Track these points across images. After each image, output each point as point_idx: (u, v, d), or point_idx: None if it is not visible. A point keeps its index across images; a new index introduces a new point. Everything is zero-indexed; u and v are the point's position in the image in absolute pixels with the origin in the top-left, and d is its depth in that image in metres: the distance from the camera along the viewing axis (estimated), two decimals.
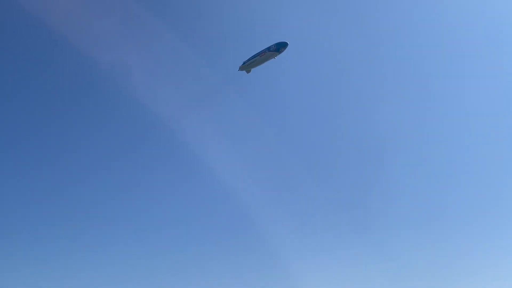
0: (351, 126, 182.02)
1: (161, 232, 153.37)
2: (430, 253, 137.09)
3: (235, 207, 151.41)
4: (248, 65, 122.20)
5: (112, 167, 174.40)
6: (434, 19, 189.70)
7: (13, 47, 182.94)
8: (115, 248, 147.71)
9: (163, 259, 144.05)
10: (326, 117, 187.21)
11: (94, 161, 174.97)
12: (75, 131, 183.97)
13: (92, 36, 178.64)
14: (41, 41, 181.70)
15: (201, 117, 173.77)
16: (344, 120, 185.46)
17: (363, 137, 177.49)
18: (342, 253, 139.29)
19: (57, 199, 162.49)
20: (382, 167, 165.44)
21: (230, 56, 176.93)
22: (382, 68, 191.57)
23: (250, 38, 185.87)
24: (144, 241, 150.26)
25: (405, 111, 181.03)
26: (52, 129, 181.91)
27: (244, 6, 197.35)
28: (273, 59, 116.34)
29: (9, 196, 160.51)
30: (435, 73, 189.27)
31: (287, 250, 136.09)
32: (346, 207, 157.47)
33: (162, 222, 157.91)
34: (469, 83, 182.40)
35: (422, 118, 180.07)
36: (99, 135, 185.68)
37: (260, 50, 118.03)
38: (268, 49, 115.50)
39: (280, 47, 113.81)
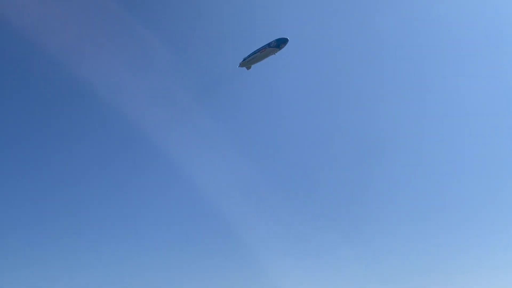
0: (350, 123, 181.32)
1: (150, 234, 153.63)
2: (425, 253, 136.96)
3: (226, 210, 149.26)
4: (248, 62, 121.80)
5: (108, 169, 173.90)
6: (434, 17, 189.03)
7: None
8: (106, 249, 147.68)
9: (149, 259, 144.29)
10: (325, 114, 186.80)
11: (91, 160, 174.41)
12: (72, 132, 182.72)
13: (90, 36, 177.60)
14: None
15: (200, 116, 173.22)
16: (343, 117, 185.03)
17: (361, 136, 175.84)
18: (336, 253, 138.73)
19: (48, 201, 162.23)
20: (378, 165, 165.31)
21: (230, 53, 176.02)
22: (382, 65, 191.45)
23: (250, 34, 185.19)
24: (131, 242, 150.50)
25: (403, 108, 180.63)
26: (48, 132, 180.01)
27: (244, 2, 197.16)
28: (274, 55, 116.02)
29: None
30: (434, 71, 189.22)
31: (280, 252, 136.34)
32: (342, 206, 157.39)
33: (151, 224, 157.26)
34: (467, 83, 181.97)
35: (419, 117, 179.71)
36: (97, 135, 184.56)
37: (261, 46, 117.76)
38: (269, 45, 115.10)
39: (280, 43, 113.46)
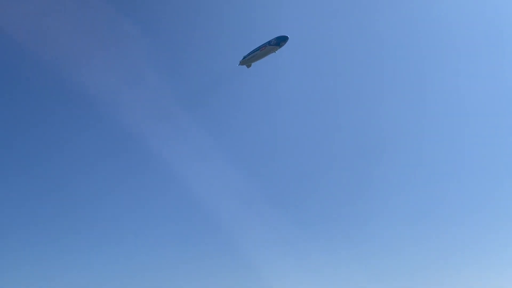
0: (349, 123, 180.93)
1: (147, 235, 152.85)
2: (425, 252, 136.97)
3: (224, 210, 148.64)
4: (248, 60, 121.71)
5: (107, 169, 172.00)
6: (435, 15, 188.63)
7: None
8: (104, 249, 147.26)
9: (146, 260, 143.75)
10: (325, 113, 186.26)
11: (91, 161, 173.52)
12: (72, 132, 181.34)
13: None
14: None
15: (200, 115, 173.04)
16: (343, 116, 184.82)
17: (360, 135, 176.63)
18: (335, 253, 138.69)
19: (48, 201, 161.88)
20: (378, 165, 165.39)
21: (230, 51, 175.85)
22: (382, 63, 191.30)
23: (250, 33, 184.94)
24: (129, 242, 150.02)
25: (402, 108, 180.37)
26: (48, 133, 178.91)
27: (244, 0, 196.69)
28: (274, 53, 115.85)
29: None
30: (434, 70, 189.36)
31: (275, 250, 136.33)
32: (341, 206, 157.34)
33: (149, 226, 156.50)
34: (466, 82, 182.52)
35: (418, 117, 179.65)
36: (97, 135, 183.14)
37: (261, 44, 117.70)
38: (269, 43, 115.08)
39: (280, 41, 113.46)
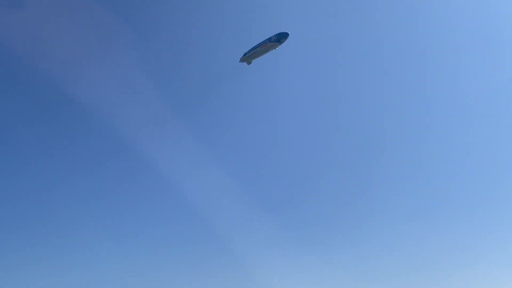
0: (350, 121, 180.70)
1: (146, 236, 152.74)
2: (425, 252, 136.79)
3: (223, 210, 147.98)
4: (249, 57, 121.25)
5: (106, 170, 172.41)
6: (436, 13, 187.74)
7: None
8: (103, 249, 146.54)
9: (145, 261, 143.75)
10: (325, 110, 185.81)
11: (88, 162, 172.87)
12: (72, 133, 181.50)
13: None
14: None
15: (200, 113, 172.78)
16: (343, 114, 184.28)
17: (360, 133, 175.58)
18: (335, 253, 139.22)
19: (47, 201, 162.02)
20: (377, 164, 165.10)
21: (230, 48, 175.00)
22: (383, 59, 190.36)
23: (250, 29, 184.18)
24: (129, 243, 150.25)
25: (402, 107, 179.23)
26: (48, 133, 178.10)
27: None
28: (274, 49, 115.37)
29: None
30: (435, 67, 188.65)
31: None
32: (341, 206, 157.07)
33: (147, 227, 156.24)
34: (466, 82, 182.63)
35: (419, 116, 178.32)
36: (94, 133, 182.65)
37: (261, 41, 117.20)
38: (269, 39, 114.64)
39: (281, 37, 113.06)
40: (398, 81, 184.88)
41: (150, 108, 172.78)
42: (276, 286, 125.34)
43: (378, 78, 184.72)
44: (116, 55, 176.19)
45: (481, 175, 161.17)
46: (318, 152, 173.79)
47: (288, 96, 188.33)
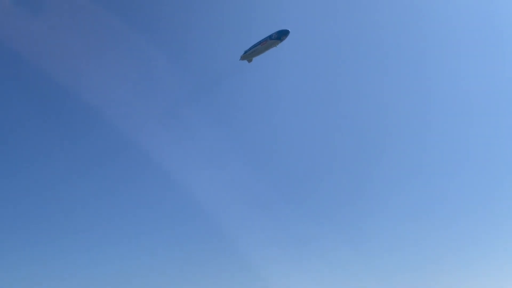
0: (350, 120, 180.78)
1: (147, 235, 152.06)
2: (425, 252, 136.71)
3: (223, 210, 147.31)
4: (249, 55, 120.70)
5: (107, 169, 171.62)
6: (440, 10, 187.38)
7: None
8: (102, 249, 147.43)
9: (148, 261, 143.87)
10: (326, 109, 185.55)
11: (89, 162, 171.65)
12: (72, 133, 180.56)
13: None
14: None
15: (200, 112, 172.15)
16: (344, 113, 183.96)
17: (361, 132, 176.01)
18: (335, 253, 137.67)
19: (47, 201, 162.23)
20: (378, 164, 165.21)
21: (230, 46, 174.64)
22: (384, 56, 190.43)
23: (251, 27, 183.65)
24: (129, 243, 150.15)
25: (403, 106, 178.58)
26: (48, 134, 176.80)
27: None
28: (275, 47, 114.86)
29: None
30: (436, 67, 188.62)
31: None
32: (341, 206, 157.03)
33: (149, 226, 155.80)
34: (466, 82, 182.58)
35: (420, 116, 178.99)
36: (95, 133, 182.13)
37: (262, 39, 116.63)
38: (270, 37, 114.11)
39: (281, 35, 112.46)
40: (399, 80, 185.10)
41: (150, 107, 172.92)
42: (276, 286, 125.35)
43: (379, 75, 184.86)
44: (116, 54, 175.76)
45: (481, 175, 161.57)
46: (318, 152, 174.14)
47: (289, 94, 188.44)
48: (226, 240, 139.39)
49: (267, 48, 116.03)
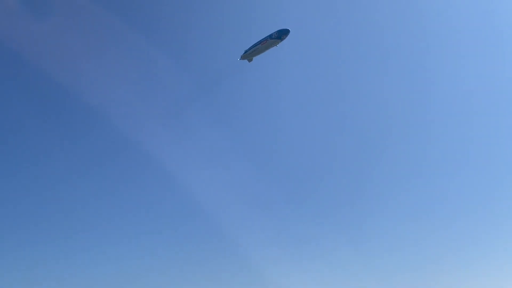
0: (351, 120, 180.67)
1: (148, 235, 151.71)
2: (426, 252, 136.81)
3: (223, 210, 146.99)
4: (249, 54, 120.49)
5: (109, 165, 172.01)
6: (440, 8, 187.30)
7: None
8: (102, 250, 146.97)
9: (149, 261, 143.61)
10: (327, 109, 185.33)
11: (89, 162, 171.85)
12: (72, 133, 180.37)
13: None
14: None
15: (200, 112, 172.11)
16: (344, 112, 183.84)
17: (362, 131, 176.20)
18: (336, 253, 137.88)
19: (46, 201, 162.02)
20: (378, 163, 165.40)
21: (231, 46, 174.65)
22: (384, 56, 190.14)
23: (251, 27, 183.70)
24: (129, 243, 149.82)
25: (403, 106, 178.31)
26: (48, 134, 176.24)
27: None
28: (275, 46, 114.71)
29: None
30: (436, 67, 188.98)
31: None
32: (341, 206, 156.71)
33: (149, 226, 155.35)
34: (466, 81, 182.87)
35: (420, 115, 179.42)
36: (95, 133, 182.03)
37: (262, 38, 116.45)
38: (270, 36, 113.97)
39: (281, 34, 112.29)
40: (399, 80, 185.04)
41: (150, 107, 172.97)
42: (276, 285, 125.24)
43: (379, 75, 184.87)
44: (116, 54, 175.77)
45: (481, 175, 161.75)
46: (319, 151, 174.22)
47: (289, 93, 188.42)
48: (226, 240, 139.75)
49: (267, 48, 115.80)
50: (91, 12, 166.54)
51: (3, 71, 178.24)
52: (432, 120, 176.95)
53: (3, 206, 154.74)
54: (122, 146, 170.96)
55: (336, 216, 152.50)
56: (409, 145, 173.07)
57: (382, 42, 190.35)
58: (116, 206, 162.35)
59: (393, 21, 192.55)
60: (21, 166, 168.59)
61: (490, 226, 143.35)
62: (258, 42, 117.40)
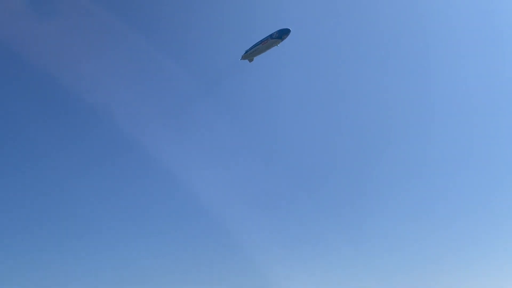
0: (352, 119, 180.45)
1: (149, 236, 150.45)
2: (427, 252, 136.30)
3: (224, 210, 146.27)
4: (250, 54, 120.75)
5: (109, 165, 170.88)
6: (441, 9, 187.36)
7: None
8: (102, 250, 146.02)
9: (150, 262, 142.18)
10: (328, 109, 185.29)
11: (90, 162, 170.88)
12: (72, 134, 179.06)
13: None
14: None
15: (201, 112, 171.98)
16: (345, 112, 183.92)
17: (363, 131, 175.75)
18: (337, 253, 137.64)
19: (46, 201, 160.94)
20: (379, 163, 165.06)
21: (231, 46, 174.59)
22: (386, 56, 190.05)
23: (251, 26, 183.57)
24: (130, 243, 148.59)
25: (404, 105, 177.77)
26: (49, 134, 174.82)
27: None
28: (276, 46, 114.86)
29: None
30: (437, 66, 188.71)
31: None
32: (342, 206, 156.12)
33: (150, 226, 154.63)
34: (466, 81, 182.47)
35: (420, 115, 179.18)
36: (95, 133, 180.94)
37: (262, 38, 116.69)
38: (271, 36, 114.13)
39: (282, 34, 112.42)
40: (400, 79, 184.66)
41: (151, 107, 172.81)
42: (277, 285, 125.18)
43: (380, 75, 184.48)
44: (116, 54, 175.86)
45: (481, 175, 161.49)
46: (319, 151, 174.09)
47: (290, 93, 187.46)
48: (228, 240, 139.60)
49: (268, 47, 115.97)
50: (91, 12, 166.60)
51: (5, 71, 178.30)
52: (433, 120, 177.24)
53: (3, 206, 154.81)
54: (124, 146, 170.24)
55: (336, 215, 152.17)
56: (409, 145, 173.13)
57: (383, 42, 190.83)
58: (119, 206, 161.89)
59: (394, 21, 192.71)
60: (23, 165, 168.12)
61: (490, 226, 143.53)
62: (259, 42, 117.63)
